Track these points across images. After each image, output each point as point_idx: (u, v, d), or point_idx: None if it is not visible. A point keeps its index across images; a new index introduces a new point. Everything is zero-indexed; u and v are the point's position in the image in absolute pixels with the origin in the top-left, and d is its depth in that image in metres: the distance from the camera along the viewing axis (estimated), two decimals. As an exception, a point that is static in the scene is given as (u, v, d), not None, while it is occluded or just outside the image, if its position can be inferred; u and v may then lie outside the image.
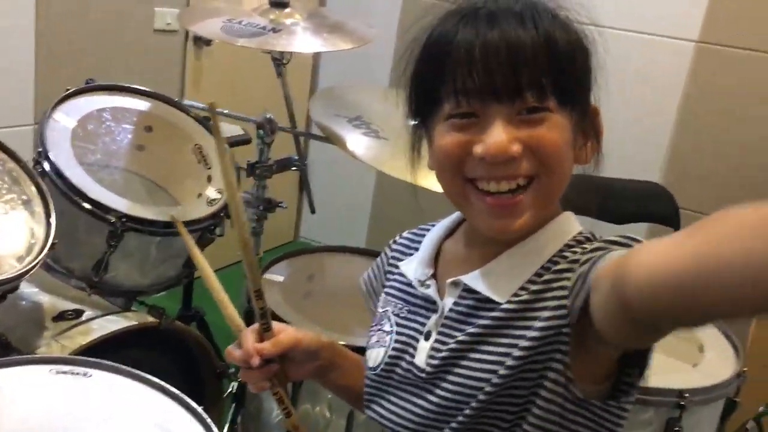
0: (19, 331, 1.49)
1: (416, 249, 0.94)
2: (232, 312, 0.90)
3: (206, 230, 1.64)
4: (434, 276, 0.88)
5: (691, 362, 1.61)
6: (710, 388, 1.48)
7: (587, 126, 0.81)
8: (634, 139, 2.67)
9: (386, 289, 0.95)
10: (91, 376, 1.21)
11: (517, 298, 0.79)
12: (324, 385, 0.99)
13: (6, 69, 2.17)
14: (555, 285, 0.77)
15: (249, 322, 1.85)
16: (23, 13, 2.20)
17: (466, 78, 0.75)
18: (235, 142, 2.09)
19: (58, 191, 1.46)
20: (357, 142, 1.75)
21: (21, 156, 1.44)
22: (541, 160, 0.76)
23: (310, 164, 3.59)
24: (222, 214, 1.65)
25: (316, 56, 3.40)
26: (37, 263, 1.30)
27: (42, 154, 1.50)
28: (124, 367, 1.23)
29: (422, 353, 0.84)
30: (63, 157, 1.52)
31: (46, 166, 1.48)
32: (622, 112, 2.74)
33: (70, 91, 1.63)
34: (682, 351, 1.64)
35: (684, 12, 2.59)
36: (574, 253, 0.78)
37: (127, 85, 1.75)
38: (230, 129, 2.17)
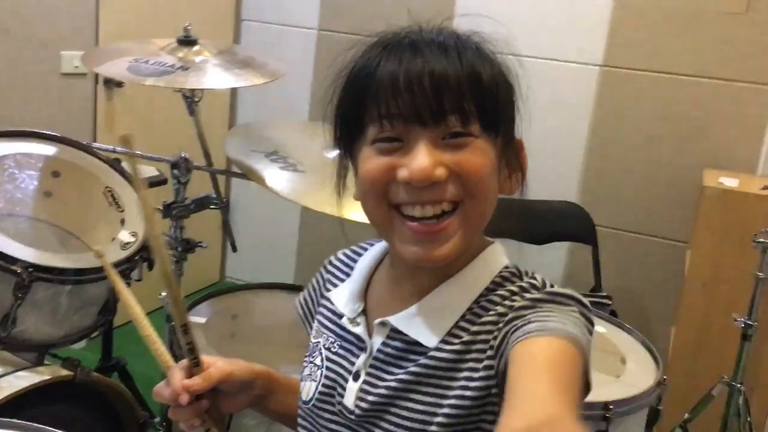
0: None
1: (348, 272, 0.93)
2: (159, 348, 0.87)
3: (122, 275, 1.58)
4: (364, 311, 0.87)
5: (614, 374, 1.65)
6: (633, 398, 1.51)
7: (512, 157, 0.82)
8: (550, 161, 2.75)
9: (318, 317, 0.94)
10: (-1, 437, 1.14)
11: (447, 346, 0.78)
12: (261, 413, 0.96)
13: None
14: (481, 338, 0.77)
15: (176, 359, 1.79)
16: None
17: (390, 102, 0.75)
18: (151, 183, 2.04)
19: (-43, 244, 1.39)
20: (275, 176, 1.73)
21: None
22: (466, 185, 0.75)
23: (233, 202, 3.54)
24: (137, 258, 1.60)
25: (234, 93, 3.38)
26: (-64, 321, 1.23)
27: (-61, 206, 1.42)
28: (35, 425, 1.17)
29: (351, 394, 0.83)
30: (-38, 207, 1.45)
31: (-56, 218, 1.41)
32: (538, 135, 2.80)
33: (-31, 139, 1.56)
34: (605, 364, 1.68)
35: (588, 38, 2.70)
36: (502, 298, 0.79)
37: (30, 130, 1.69)
38: (146, 170, 2.12)
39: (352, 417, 0.82)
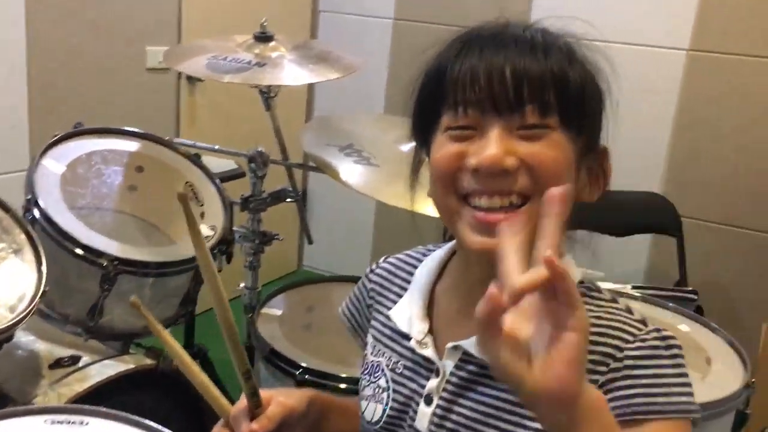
0: (16, 381, 1.48)
1: (400, 284, 0.90)
2: (215, 394, 0.87)
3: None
4: (430, 330, 0.84)
5: (699, 374, 1.58)
6: (720, 401, 1.44)
7: (593, 164, 0.78)
8: (633, 150, 2.66)
9: (373, 332, 0.91)
10: (87, 424, 1.19)
11: None
12: None
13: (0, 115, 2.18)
14: None
15: (249, 359, 1.83)
16: (15, 58, 2.22)
17: (467, 89, 0.73)
18: (229, 177, 2.09)
19: (48, 238, 1.46)
20: (349, 170, 1.74)
21: (10, 204, 1.43)
22: (537, 179, 0.71)
23: (311, 194, 3.59)
24: (216, 251, 1.64)
25: (311, 87, 3.41)
26: (29, 313, 1.29)
27: (31, 201, 1.49)
28: (121, 413, 1.21)
29: (424, 418, 0.81)
30: (52, 203, 1.51)
31: (36, 213, 1.48)
32: (620, 123, 2.72)
33: (58, 136, 1.64)
34: (689, 363, 1.61)
35: (674, 22, 2.59)
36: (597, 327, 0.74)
37: (115, 127, 1.76)
38: (224, 164, 2.18)
39: None
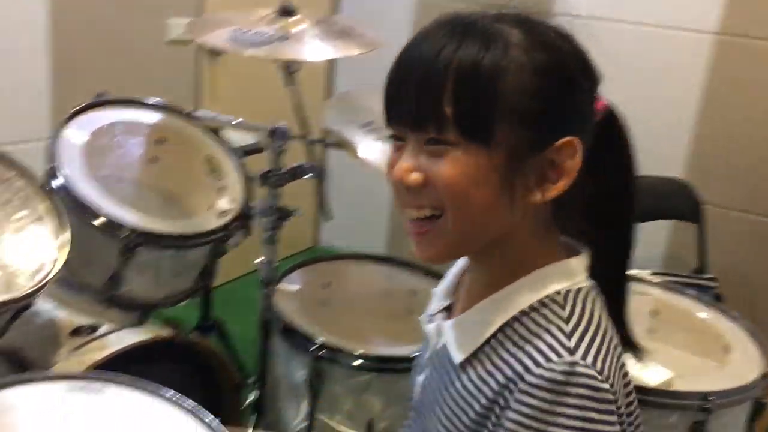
0: (36, 348, 1.50)
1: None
2: None
3: (219, 241, 1.64)
4: (448, 308, 0.88)
5: (716, 363, 1.57)
6: (737, 389, 1.43)
7: (543, 162, 0.73)
8: (654, 135, 2.62)
9: None
10: (105, 391, 1.21)
11: (470, 369, 0.76)
12: None
13: (21, 85, 2.19)
14: (493, 381, 0.73)
15: (266, 333, 1.84)
16: (37, 29, 2.22)
17: (387, 103, 0.75)
18: (248, 152, 2.08)
19: (70, 207, 1.47)
20: (369, 147, 1.74)
21: (33, 172, 1.44)
22: (438, 196, 0.73)
23: (331, 171, 3.58)
24: (234, 225, 1.65)
25: (332, 63, 3.39)
26: (49, 280, 1.30)
27: (53, 170, 1.50)
28: (139, 381, 1.23)
29: (417, 388, 0.89)
30: (74, 172, 1.52)
31: (58, 182, 1.49)
32: (641, 106, 2.69)
33: (81, 105, 1.64)
34: (706, 351, 1.60)
35: (703, 4, 2.54)
36: (521, 339, 0.72)
37: (137, 98, 1.76)
38: (243, 138, 2.17)
39: (417, 404, 0.88)
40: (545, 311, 0.73)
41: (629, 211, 0.83)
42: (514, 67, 0.70)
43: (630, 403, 0.75)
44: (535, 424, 0.66)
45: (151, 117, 1.76)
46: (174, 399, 1.21)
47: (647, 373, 1.44)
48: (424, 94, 0.71)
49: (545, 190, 0.73)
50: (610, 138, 0.80)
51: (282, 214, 1.90)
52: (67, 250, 1.35)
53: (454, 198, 0.72)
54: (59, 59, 2.28)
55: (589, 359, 0.68)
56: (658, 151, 2.62)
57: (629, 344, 0.85)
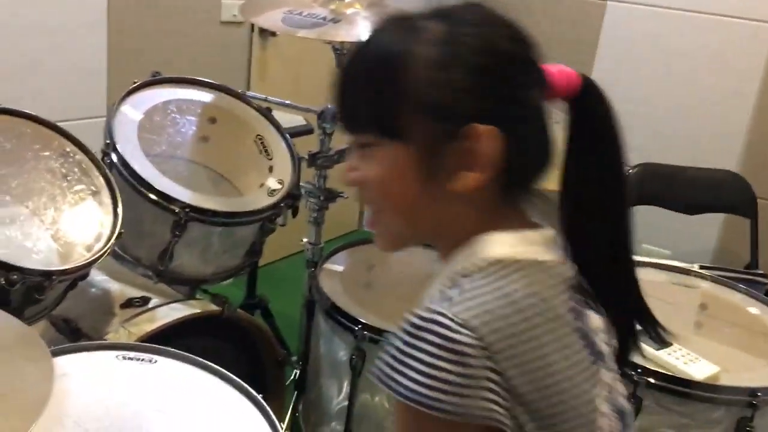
0: (89, 318, 1.55)
1: None
2: None
3: (267, 220, 1.66)
4: None
5: (765, 359, 1.54)
6: (786, 387, 1.41)
7: (458, 153, 0.73)
8: (709, 126, 2.56)
9: None
10: (156, 362, 1.25)
11: None
12: None
13: (79, 63, 2.24)
14: None
15: (310, 312, 1.86)
16: (96, 9, 2.27)
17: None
18: (297, 133, 2.11)
19: (125, 182, 1.51)
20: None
21: (90, 148, 1.48)
22: (371, 194, 0.78)
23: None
24: (282, 204, 1.67)
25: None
26: (105, 252, 1.34)
27: (110, 146, 1.54)
28: (187, 354, 1.27)
29: None
30: (130, 149, 1.56)
31: (114, 157, 1.53)
32: (696, 97, 2.63)
33: (137, 84, 1.68)
34: (755, 347, 1.57)
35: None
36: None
37: (191, 77, 1.79)
38: (293, 119, 2.20)
39: None
40: (462, 273, 0.74)
41: (617, 195, 0.81)
42: (419, 62, 0.72)
43: (544, 402, 0.70)
44: (389, 361, 0.68)
45: (204, 96, 1.79)
46: (220, 373, 1.24)
47: (693, 367, 1.42)
48: (343, 99, 0.77)
49: (464, 178, 0.74)
50: (587, 115, 0.79)
51: (329, 196, 1.93)
52: (121, 223, 1.39)
53: (383, 196, 0.78)
54: (116, 39, 2.33)
55: (459, 311, 0.67)
56: (713, 144, 2.57)
57: (652, 335, 0.85)
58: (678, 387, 1.39)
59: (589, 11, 2.82)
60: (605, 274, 0.81)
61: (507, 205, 0.78)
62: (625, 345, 0.85)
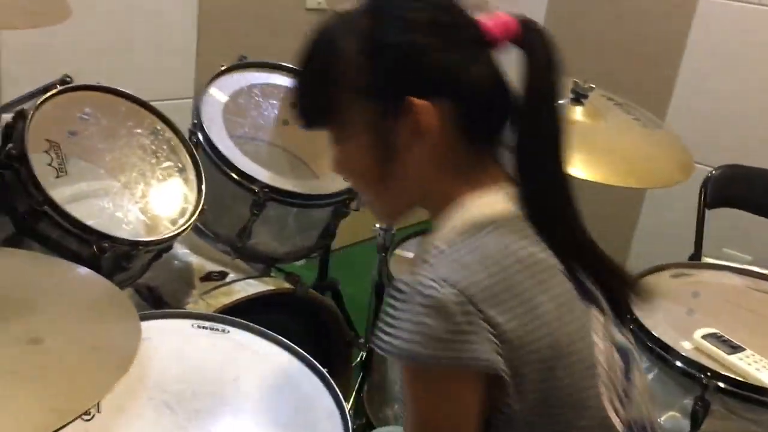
0: (171, 287, 1.63)
1: None
2: None
3: (342, 204, 1.71)
4: None
5: None
6: None
7: (403, 127, 0.80)
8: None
9: None
10: (228, 332, 1.31)
11: None
12: None
13: (171, 47, 2.34)
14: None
15: (379, 296, 1.90)
16: (188, -2, 2.36)
17: None
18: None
19: (209, 161, 1.57)
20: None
21: (179, 127, 1.56)
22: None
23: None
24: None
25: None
26: (189, 226, 1.41)
27: (197, 126, 1.61)
28: (259, 327, 1.32)
29: None
30: (215, 129, 1.63)
31: (200, 137, 1.60)
32: (763, 90, 2.53)
33: (225, 67, 1.74)
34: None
35: None
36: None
37: (275, 62, 1.84)
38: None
39: None
40: (439, 239, 0.78)
41: (547, 145, 0.81)
42: (346, 50, 0.79)
43: (538, 343, 0.73)
44: (381, 326, 0.72)
45: (287, 81, 1.85)
46: (290, 347, 1.29)
47: (766, 374, 1.39)
48: (297, 98, 0.84)
49: (420, 147, 0.80)
50: (530, 57, 0.80)
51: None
52: (204, 200, 1.46)
53: (352, 179, 0.87)
54: (205, 23, 2.42)
55: (439, 271, 0.72)
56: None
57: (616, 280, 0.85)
58: (749, 393, 1.36)
59: (680, 5, 2.74)
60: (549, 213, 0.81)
61: (478, 161, 0.82)
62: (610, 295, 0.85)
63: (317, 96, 0.83)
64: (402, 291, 0.72)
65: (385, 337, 0.72)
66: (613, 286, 0.84)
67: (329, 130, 0.84)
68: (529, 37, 0.80)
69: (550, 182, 0.81)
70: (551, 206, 0.81)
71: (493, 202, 0.79)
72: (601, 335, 0.79)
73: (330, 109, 0.82)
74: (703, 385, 1.36)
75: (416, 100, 0.78)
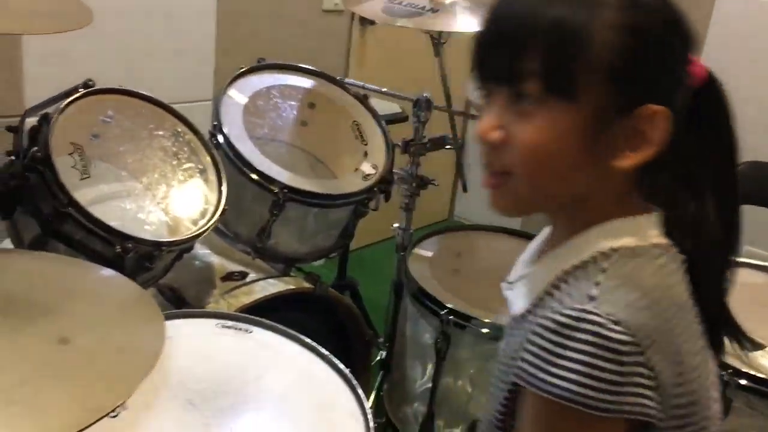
0: (192, 288, 1.65)
1: None
2: None
3: (360, 203, 1.72)
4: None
5: None
6: None
7: (628, 127, 0.70)
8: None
9: None
10: (251, 332, 1.32)
11: (523, 321, 0.77)
12: None
13: (190, 49, 2.36)
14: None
15: (398, 295, 1.90)
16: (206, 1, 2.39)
17: (477, 58, 0.73)
18: (392, 120, 2.15)
19: (229, 162, 1.59)
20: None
21: (199, 128, 1.58)
22: (514, 156, 0.71)
23: (469, 143, 3.61)
24: (375, 189, 1.72)
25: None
26: (210, 227, 1.43)
27: (217, 128, 1.63)
28: (281, 326, 1.33)
29: (499, 353, 0.86)
30: (235, 130, 1.65)
31: (220, 138, 1.62)
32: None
33: (243, 69, 1.76)
34: None
35: None
36: (568, 283, 0.72)
37: (293, 64, 1.86)
38: (388, 107, 2.24)
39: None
40: (591, 265, 0.72)
41: (729, 187, 0.79)
42: (605, 24, 0.67)
43: (681, 395, 0.70)
44: (538, 362, 0.67)
45: (305, 83, 1.86)
46: (311, 346, 1.30)
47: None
48: (511, 48, 0.69)
49: (627, 157, 0.71)
50: (707, 107, 0.76)
51: (420, 183, 1.96)
52: (224, 200, 1.48)
53: (531, 162, 0.71)
54: (224, 25, 2.44)
55: (608, 308, 0.66)
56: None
57: (730, 331, 0.82)
58: (771, 391, 1.36)
59: (698, 2, 2.72)
60: (703, 267, 0.77)
61: (638, 190, 0.76)
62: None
63: (553, 53, 0.68)
64: (567, 326, 0.66)
65: (547, 377, 0.66)
66: (726, 334, 0.82)
67: (534, 89, 0.69)
68: (715, 87, 0.77)
69: (726, 228, 0.79)
70: (715, 255, 0.78)
71: (638, 228, 0.74)
72: (714, 387, 0.77)
73: (557, 73, 0.68)
74: (724, 382, 1.36)
75: (656, 107, 0.69)
